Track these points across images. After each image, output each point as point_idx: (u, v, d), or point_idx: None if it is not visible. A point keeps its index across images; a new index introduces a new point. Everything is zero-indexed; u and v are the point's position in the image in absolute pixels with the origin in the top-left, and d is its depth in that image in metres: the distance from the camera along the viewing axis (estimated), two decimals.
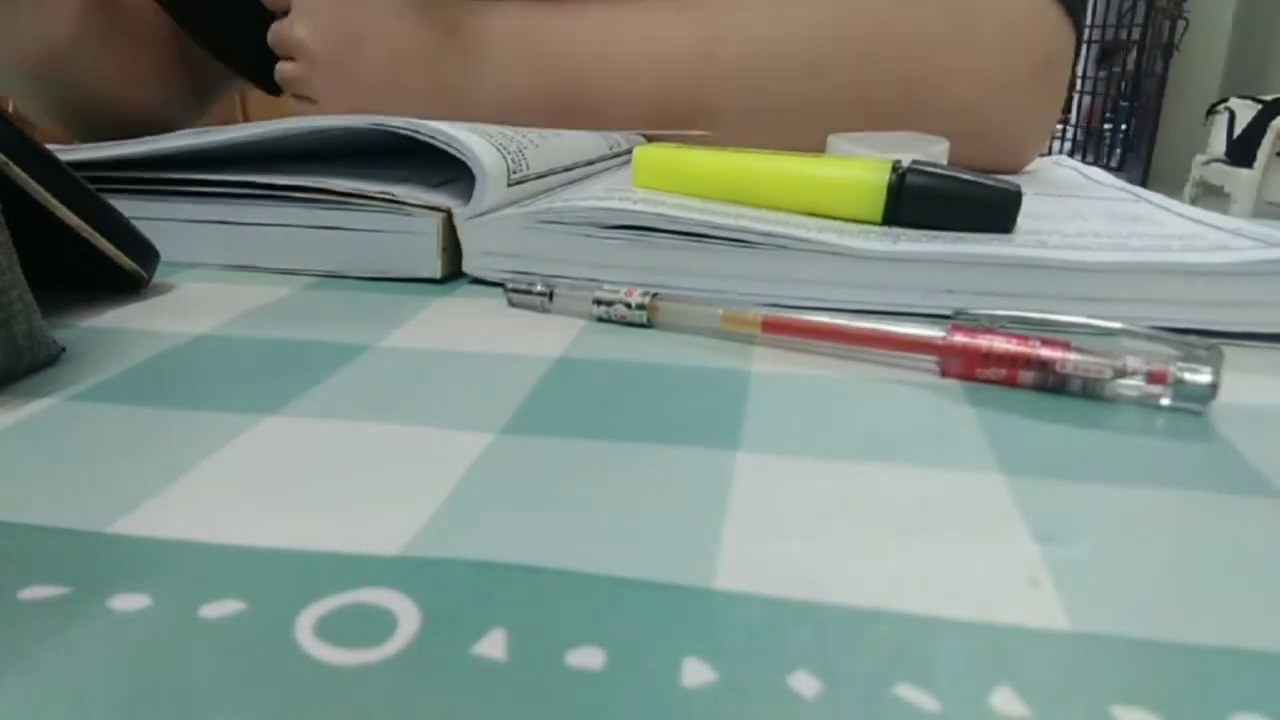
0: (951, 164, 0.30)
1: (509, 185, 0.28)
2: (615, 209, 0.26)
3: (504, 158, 0.28)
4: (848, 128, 0.44)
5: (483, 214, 0.27)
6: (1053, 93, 0.45)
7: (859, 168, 0.28)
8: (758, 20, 0.45)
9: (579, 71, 0.46)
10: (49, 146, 0.24)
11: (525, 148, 0.30)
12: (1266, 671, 0.11)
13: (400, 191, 0.28)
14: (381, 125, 0.28)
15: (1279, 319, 0.23)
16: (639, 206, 0.26)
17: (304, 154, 0.30)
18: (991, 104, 0.44)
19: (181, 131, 0.30)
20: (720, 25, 0.45)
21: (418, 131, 0.28)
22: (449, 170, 0.29)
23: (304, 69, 0.47)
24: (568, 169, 0.34)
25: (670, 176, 0.31)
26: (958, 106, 0.44)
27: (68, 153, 0.30)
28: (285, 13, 0.48)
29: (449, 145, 0.28)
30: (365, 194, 0.28)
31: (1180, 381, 0.18)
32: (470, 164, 0.27)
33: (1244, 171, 1.91)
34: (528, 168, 0.30)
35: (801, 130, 0.44)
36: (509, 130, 0.32)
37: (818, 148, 0.39)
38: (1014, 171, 0.48)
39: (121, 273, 0.26)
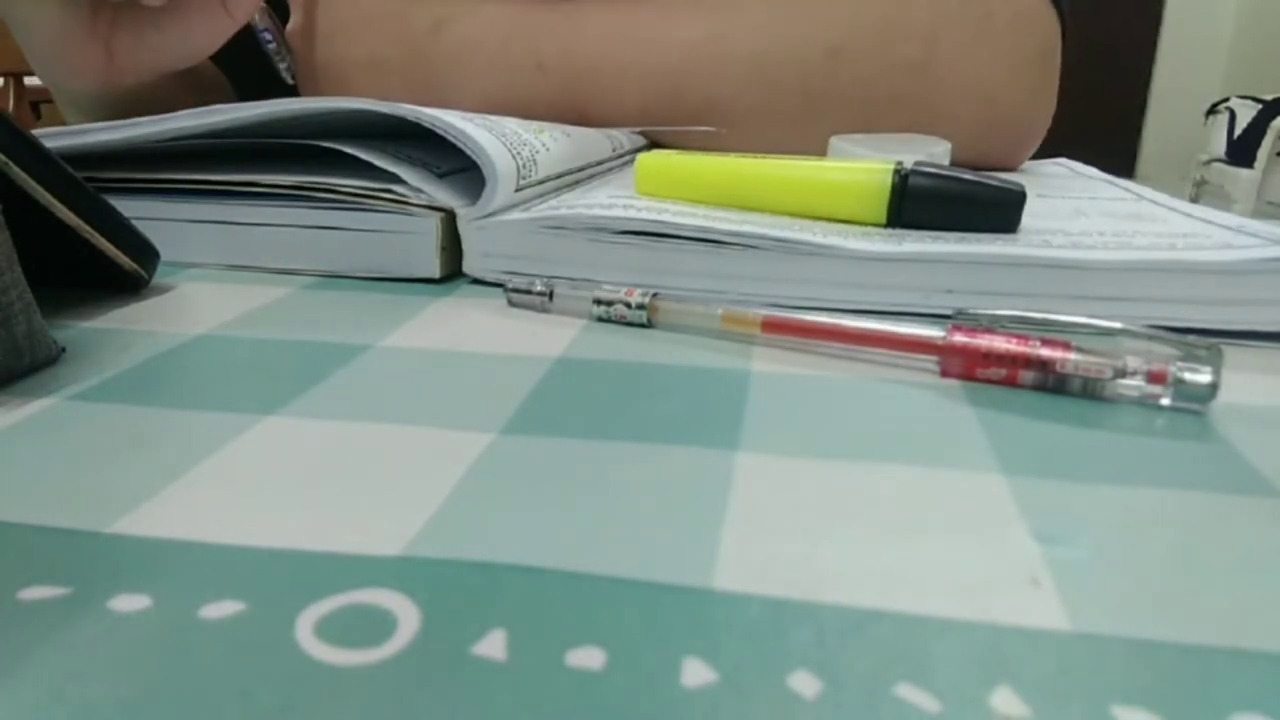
0: (954, 164, 0.30)
1: (516, 190, 0.28)
2: (619, 217, 0.26)
3: (515, 162, 0.28)
4: (861, 120, 0.44)
5: (487, 215, 0.27)
6: (1052, 82, 0.46)
7: (861, 170, 0.28)
8: (770, 14, 0.45)
9: (585, 70, 0.46)
10: (38, 132, 0.24)
11: (538, 151, 0.30)
12: (1266, 671, 0.11)
13: (407, 176, 0.28)
14: (403, 114, 0.28)
15: (1278, 317, 0.23)
16: (643, 214, 0.26)
17: (308, 132, 0.30)
18: (1003, 92, 0.45)
19: (191, 111, 0.29)
20: (731, 21, 0.45)
21: (436, 124, 0.28)
22: (457, 157, 0.29)
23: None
24: (572, 171, 0.34)
25: (673, 183, 0.31)
26: (971, 95, 0.44)
27: (57, 139, 0.30)
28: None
29: (465, 144, 0.27)
30: (368, 193, 0.28)
31: (1180, 381, 0.18)
32: (484, 168, 0.27)
33: (1244, 172, 1.91)
34: (536, 172, 0.30)
35: (815, 124, 0.44)
36: (523, 130, 0.31)
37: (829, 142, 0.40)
38: (1021, 159, 0.48)
39: (121, 273, 0.26)
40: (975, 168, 0.40)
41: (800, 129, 0.45)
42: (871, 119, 0.44)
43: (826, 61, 0.44)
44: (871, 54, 0.44)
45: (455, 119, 0.28)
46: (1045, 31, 0.45)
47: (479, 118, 0.30)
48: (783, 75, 0.45)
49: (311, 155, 0.30)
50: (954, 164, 0.33)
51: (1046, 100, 0.46)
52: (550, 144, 0.32)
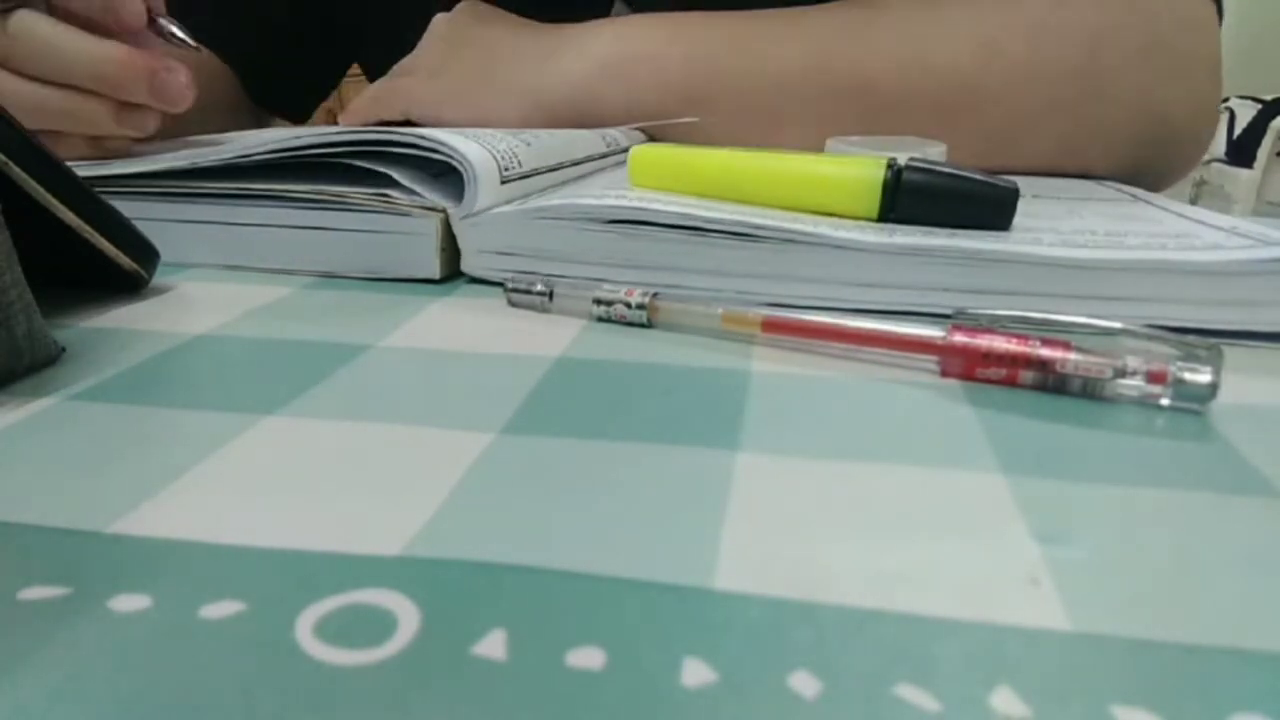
0: (952, 162, 0.30)
1: (502, 183, 0.28)
2: (612, 205, 0.26)
3: (493, 156, 0.28)
4: (1014, 124, 0.41)
5: (477, 213, 0.28)
6: (1218, 94, 0.43)
7: (855, 165, 0.28)
8: (915, 2, 0.42)
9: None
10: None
11: (515, 147, 0.30)
12: (1266, 671, 0.11)
13: (400, 176, 0.28)
14: (368, 136, 0.28)
15: (1275, 318, 0.23)
16: (636, 204, 0.26)
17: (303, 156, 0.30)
18: (1174, 107, 0.41)
19: (176, 148, 0.30)
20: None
21: (400, 140, 0.28)
22: (449, 172, 0.29)
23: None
24: (563, 166, 0.34)
25: (667, 175, 0.31)
26: (1138, 109, 0.41)
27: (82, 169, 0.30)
28: None
29: (436, 149, 0.28)
30: (363, 198, 0.28)
31: (1180, 381, 0.18)
32: (459, 165, 0.28)
33: (1244, 172, 1.91)
34: (520, 165, 0.30)
35: (959, 122, 0.41)
36: (500, 131, 0.32)
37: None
38: (1179, 178, 0.45)
39: (121, 273, 0.26)
40: (1131, 183, 0.39)
41: (945, 127, 0.41)
42: (1025, 125, 0.41)
43: (981, 54, 0.40)
44: (1031, 52, 0.40)
45: (422, 130, 0.28)
46: (1210, 37, 0.41)
47: (457, 130, 0.30)
48: (935, 62, 0.41)
49: (305, 166, 0.30)
50: (1102, 179, 0.31)
51: (1212, 114, 0.43)
52: (531, 140, 0.32)
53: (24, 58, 0.33)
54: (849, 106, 0.42)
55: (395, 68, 0.50)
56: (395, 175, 0.28)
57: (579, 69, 0.44)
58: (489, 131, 0.31)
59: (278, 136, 0.29)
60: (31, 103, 0.33)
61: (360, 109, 0.48)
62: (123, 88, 0.34)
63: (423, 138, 0.28)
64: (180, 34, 0.37)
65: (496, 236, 0.28)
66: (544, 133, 0.34)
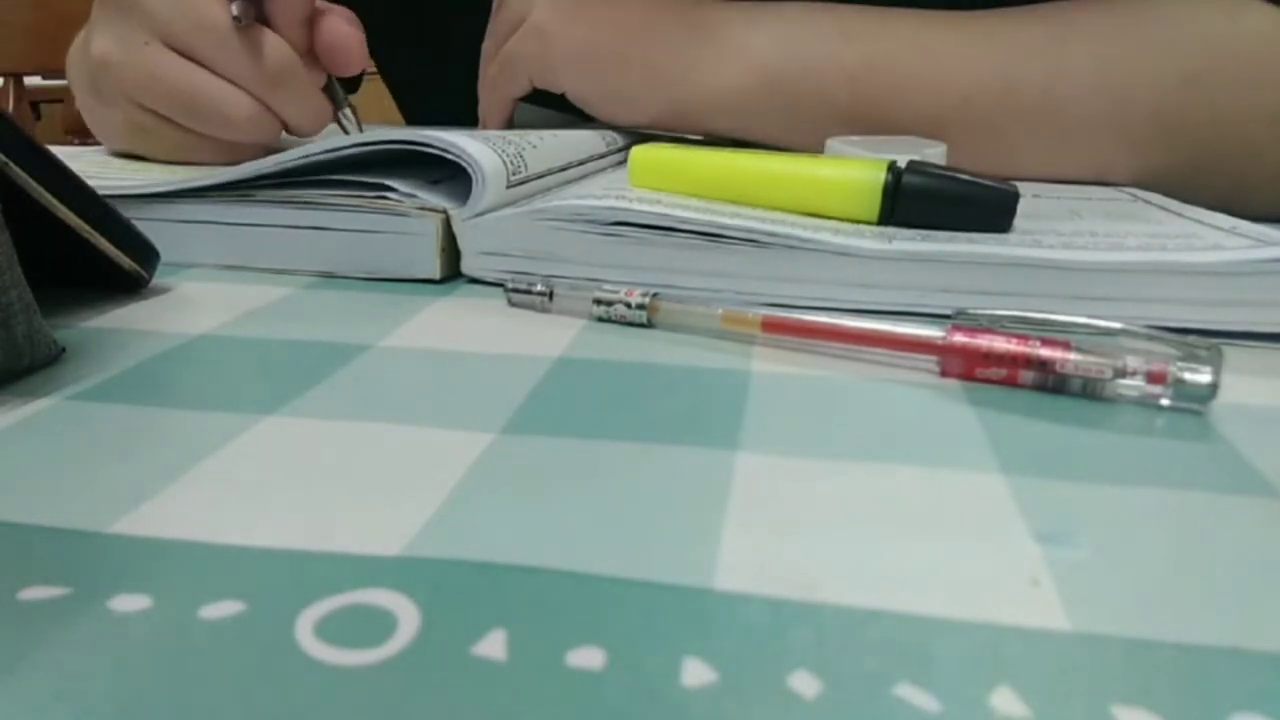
0: (950, 165, 0.30)
1: (508, 187, 0.28)
2: (613, 207, 0.26)
3: (502, 161, 0.28)
4: (1210, 163, 0.39)
5: (481, 214, 0.28)
6: None
7: (855, 167, 0.28)
8: (1115, 27, 0.39)
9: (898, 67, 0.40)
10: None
11: (524, 149, 0.30)
12: (1266, 671, 0.11)
13: (400, 185, 0.28)
14: (377, 140, 0.28)
15: (1276, 318, 0.23)
16: (636, 205, 0.26)
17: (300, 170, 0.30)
18: None
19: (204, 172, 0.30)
20: (1071, 24, 0.39)
21: (414, 141, 0.28)
22: (447, 167, 0.29)
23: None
24: (570, 166, 0.34)
25: (667, 176, 0.31)
26: None
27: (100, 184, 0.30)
28: None
29: (446, 150, 0.28)
30: (362, 199, 0.28)
31: (1180, 381, 0.18)
32: (470, 170, 0.27)
33: None
34: (527, 169, 0.30)
35: (1165, 153, 0.38)
36: (505, 133, 0.32)
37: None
38: None
39: (121, 273, 0.26)
40: None
41: (1146, 157, 0.38)
42: (1223, 168, 0.38)
43: (1181, 90, 0.37)
44: (1230, 93, 0.37)
45: (433, 132, 0.28)
46: None
47: (462, 131, 0.30)
48: (1132, 93, 0.38)
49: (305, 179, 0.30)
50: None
51: None
52: (537, 141, 0.32)
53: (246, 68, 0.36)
54: (1034, 133, 0.39)
55: (502, 16, 0.44)
56: (393, 184, 0.28)
57: (732, 77, 0.40)
58: (494, 132, 0.31)
59: (288, 155, 0.29)
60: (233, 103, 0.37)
61: (491, 96, 0.44)
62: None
63: (434, 138, 0.28)
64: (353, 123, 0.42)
65: (497, 237, 0.28)
66: (548, 133, 0.34)
